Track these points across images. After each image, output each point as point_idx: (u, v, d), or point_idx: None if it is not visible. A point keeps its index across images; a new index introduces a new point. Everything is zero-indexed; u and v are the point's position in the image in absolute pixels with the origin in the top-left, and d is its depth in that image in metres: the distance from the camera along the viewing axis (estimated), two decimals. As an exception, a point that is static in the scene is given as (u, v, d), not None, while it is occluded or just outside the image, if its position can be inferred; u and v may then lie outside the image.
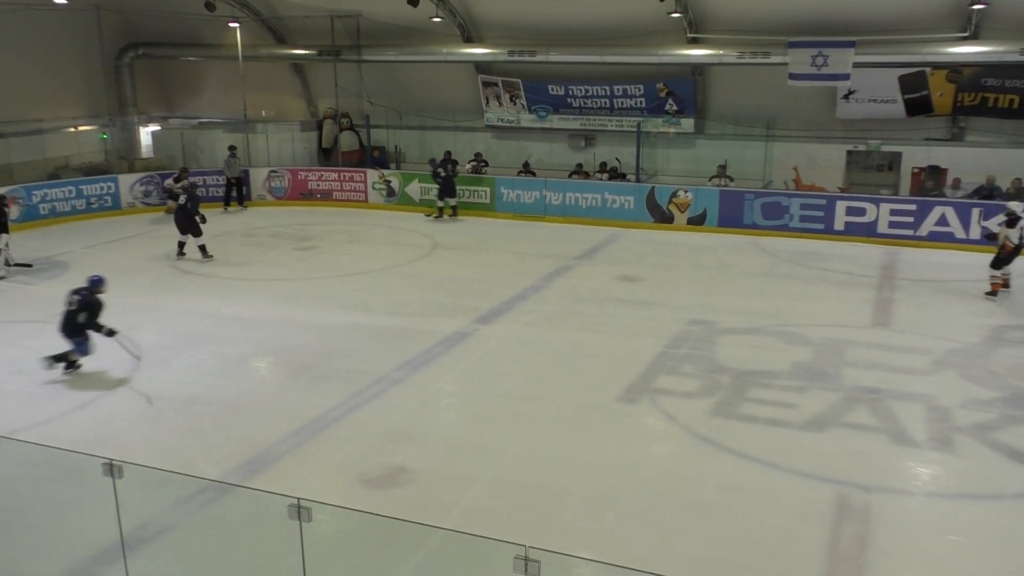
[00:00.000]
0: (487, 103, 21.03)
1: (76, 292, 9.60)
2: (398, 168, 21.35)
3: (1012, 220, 12.68)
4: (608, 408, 8.72)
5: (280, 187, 20.46)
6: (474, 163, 19.91)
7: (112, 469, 4.51)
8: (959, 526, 6.58)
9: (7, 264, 13.93)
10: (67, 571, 5.93)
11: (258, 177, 20.36)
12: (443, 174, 18.48)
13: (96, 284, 9.71)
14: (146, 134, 23.07)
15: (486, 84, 20.77)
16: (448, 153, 19.41)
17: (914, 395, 8.88)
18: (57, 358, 9.49)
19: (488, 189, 19.06)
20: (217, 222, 17.92)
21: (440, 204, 18.61)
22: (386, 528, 5.53)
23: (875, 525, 6.56)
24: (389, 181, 19.94)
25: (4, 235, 13.90)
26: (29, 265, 14.34)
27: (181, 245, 14.96)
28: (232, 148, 19.90)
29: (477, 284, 13.39)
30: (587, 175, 19.65)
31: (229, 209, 19.64)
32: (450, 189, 18.51)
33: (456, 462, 7.57)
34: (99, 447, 6.13)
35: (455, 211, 18.71)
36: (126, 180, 19.35)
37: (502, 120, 21.13)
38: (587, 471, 7.38)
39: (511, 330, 11.14)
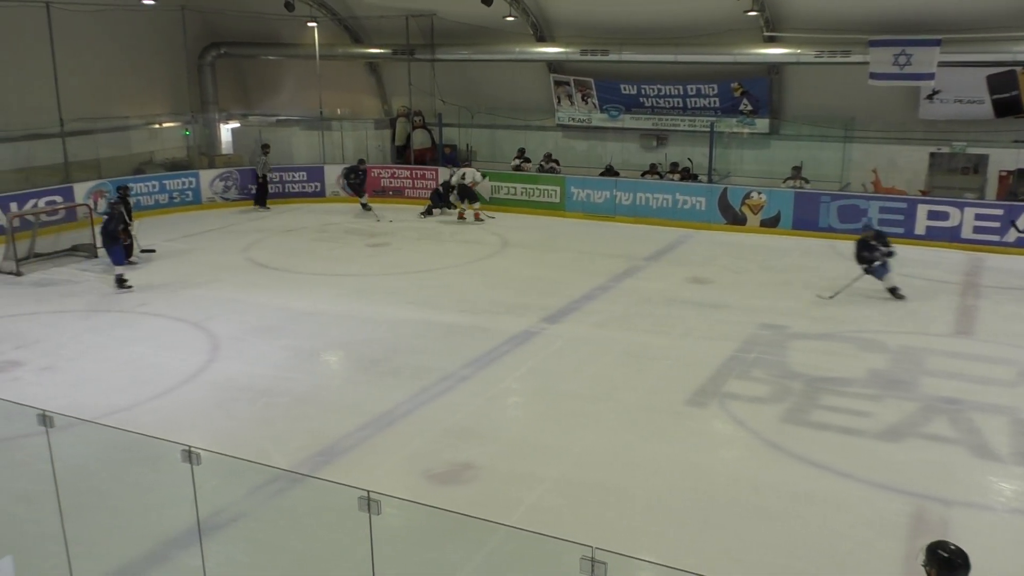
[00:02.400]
0: (559, 102, 21.00)
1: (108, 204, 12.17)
2: (470, 166, 21.49)
3: None
4: (675, 411, 8.62)
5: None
6: (546, 161, 19.93)
7: (191, 456, 4.65)
8: (1043, 545, 6.32)
9: (139, 252, 14.63)
10: (145, 554, 6.15)
11: (332, 174, 20.73)
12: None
13: (120, 191, 13.22)
14: (226, 131, 23.71)
15: (558, 83, 20.74)
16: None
17: (997, 407, 8.55)
18: (116, 281, 12.46)
19: (558, 188, 19.03)
20: (287, 217, 18.34)
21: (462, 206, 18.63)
22: (452, 523, 5.58)
23: (953, 540, 6.32)
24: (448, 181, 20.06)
25: (132, 223, 14.45)
26: (153, 250, 15.12)
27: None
28: (265, 147, 19.95)
29: (545, 283, 13.39)
30: (659, 175, 19.45)
31: (256, 209, 19.48)
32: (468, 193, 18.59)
33: (521, 460, 7.59)
34: (177, 434, 6.32)
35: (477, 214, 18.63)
36: (207, 175, 19.93)
37: (573, 119, 21.06)
38: (653, 473, 7.32)
39: (578, 330, 11.11)
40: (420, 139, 22.42)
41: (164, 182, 19.28)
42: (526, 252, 15.77)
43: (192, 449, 4.60)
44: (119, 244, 13.19)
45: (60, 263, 14.52)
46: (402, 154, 22.42)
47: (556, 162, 20.13)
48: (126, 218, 14.03)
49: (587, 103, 20.69)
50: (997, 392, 8.96)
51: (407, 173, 20.76)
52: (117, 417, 8.19)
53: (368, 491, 4.08)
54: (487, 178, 19.07)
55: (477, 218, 17.50)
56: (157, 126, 21.96)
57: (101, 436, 6.71)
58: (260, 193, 19.76)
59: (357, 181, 19.27)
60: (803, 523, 6.53)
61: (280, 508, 6.61)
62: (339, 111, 23.48)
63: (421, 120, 22.39)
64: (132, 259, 14.15)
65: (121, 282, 12.86)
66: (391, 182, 20.69)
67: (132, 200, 15.55)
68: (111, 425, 7.05)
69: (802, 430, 8.19)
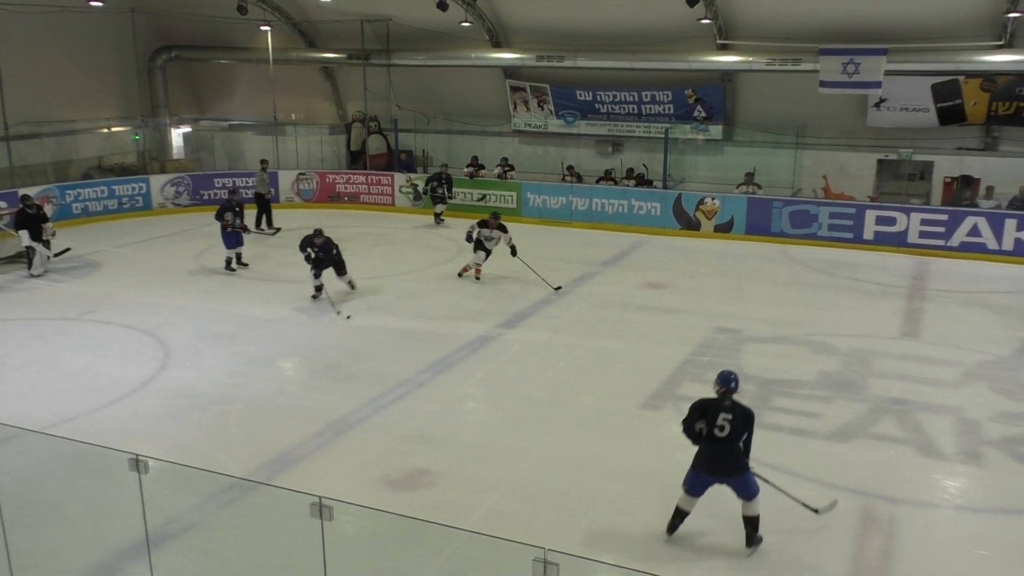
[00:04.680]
0: (514, 108, 21.08)
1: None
2: (425, 172, 21.45)
3: None
4: (632, 414, 8.69)
5: (308, 190, 20.61)
6: (501, 168, 19.97)
7: (138, 464, 4.57)
8: (986, 540, 6.48)
9: (47, 259, 14.12)
10: (93, 566, 6.01)
11: (287, 180, 20.53)
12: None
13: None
14: (177, 135, 23.37)
15: (514, 89, 20.82)
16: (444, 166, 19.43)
17: (943, 407, 8.77)
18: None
19: (515, 194, 19.08)
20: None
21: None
22: (407, 529, 5.55)
23: (900, 537, 6.49)
24: (416, 185, 20.01)
25: (37, 242, 13.95)
26: (67, 249, 14.64)
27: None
28: (264, 162, 18.93)
29: (502, 289, 13.41)
30: (614, 181, 19.60)
31: (259, 230, 17.63)
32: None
33: (478, 466, 7.58)
34: (127, 444, 6.20)
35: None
36: (157, 181, 19.59)
37: (529, 125, 21.16)
38: (609, 477, 7.36)
39: (535, 335, 11.14)
40: (376, 145, 22.32)
41: (113, 187, 18.90)
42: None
43: (140, 457, 4.51)
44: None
45: (4, 270, 14.15)
46: (357, 160, 22.29)
47: (511, 167, 20.15)
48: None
49: (543, 109, 20.80)
50: (942, 392, 9.18)
51: (363, 179, 20.64)
52: (65, 427, 8.01)
53: (320, 497, 4.04)
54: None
55: (477, 274, 13.88)
56: (106, 130, 21.54)
57: (47, 446, 6.56)
58: (264, 213, 17.85)
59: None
60: (761, 523, 6.60)
61: (232, 517, 6.51)
62: (293, 116, 23.30)
63: (377, 126, 22.30)
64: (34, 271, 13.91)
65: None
66: (346, 188, 20.56)
67: (52, 208, 15.40)
68: (57, 435, 6.89)
69: (756, 433, 8.28)
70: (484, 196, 19.35)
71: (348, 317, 11.62)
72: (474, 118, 21.27)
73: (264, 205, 18.08)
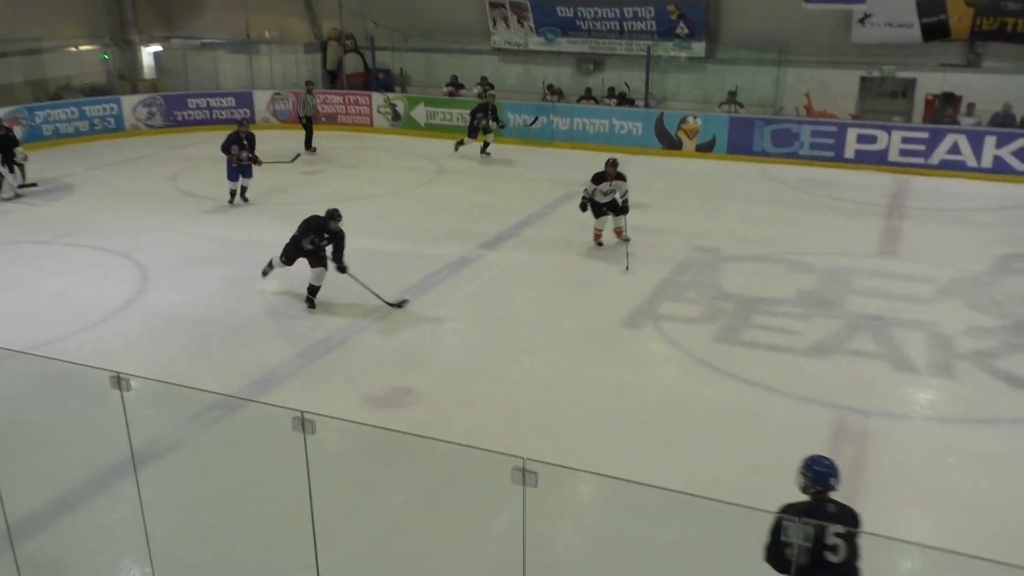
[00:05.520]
0: (494, 25, 20.59)
1: None
2: (404, 91, 21.06)
3: None
4: (612, 333, 8.77)
5: (284, 110, 20.22)
6: (481, 87, 19.63)
7: (120, 382, 4.57)
8: (955, 449, 6.68)
9: (14, 188, 13.84)
10: (81, 483, 6.08)
11: (262, 100, 20.10)
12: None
13: None
14: (148, 54, 22.71)
15: (493, 5, 20.29)
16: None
17: (917, 323, 8.90)
18: None
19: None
20: (215, 145, 17.80)
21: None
22: (390, 444, 5.65)
23: (871, 448, 6.66)
24: (394, 105, 19.69)
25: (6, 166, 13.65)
26: (34, 184, 14.29)
27: None
28: (309, 84, 18.38)
29: (482, 209, 13.35)
30: (596, 100, 19.35)
31: (304, 154, 17.06)
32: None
33: (460, 384, 7.66)
34: (107, 366, 6.20)
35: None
36: (129, 101, 19.13)
37: (509, 43, 20.71)
38: (589, 394, 7.47)
39: (516, 255, 11.15)
40: (352, 64, 21.81)
41: (84, 108, 18.45)
42: (463, 178, 15.64)
43: (121, 375, 4.52)
44: None
45: (-25, 194, 13.90)
46: (334, 79, 21.81)
47: (491, 86, 19.80)
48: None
49: (523, 26, 20.33)
50: (918, 308, 9.31)
51: (339, 99, 20.25)
52: (43, 351, 7.97)
53: (302, 411, 4.08)
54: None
55: (620, 236, 11.52)
56: (73, 49, 20.88)
57: (27, 368, 6.55)
58: (307, 135, 17.52)
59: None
60: (732, 436, 6.77)
61: (216, 435, 6.58)
62: (267, 34, 22.65)
63: (353, 44, 21.74)
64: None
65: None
66: (323, 108, 20.17)
67: (22, 129, 15.00)
68: (37, 354, 6.87)
69: (733, 348, 8.43)
70: (536, 119, 18.24)
71: (401, 304, 9.33)
72: (453, 36, 20.78)
73: (310, 128, 17.61)
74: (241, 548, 5.57)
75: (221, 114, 19.71)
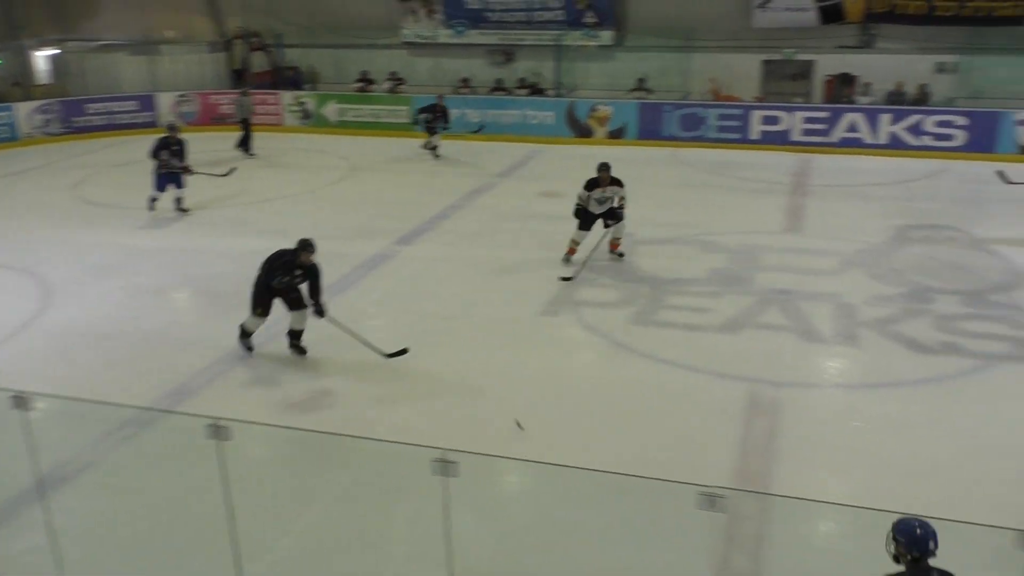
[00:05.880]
0: (404, 19, 20.45)
1: None
2: (313, 89, 20.74)
3: None
4: (531, 321, 8.86)
5: (190, 112, 19.70)
6: (391, 82, 19.49)
7: (20, 402, 4.41)
8: (861, 413, 6.97)
9: None
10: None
11: (166, 103, 19.54)
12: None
13: None
14: (42, 58, 21.80)
15: (401, -1, 20.17)
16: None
17: (822, 295, 9.24)
18: None
19: (407, 108, 18.71)
20: (116, 151, 17.22)
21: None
22: (311, 446, 5.59)
23: (784, 417, 6.90)
24: (304, 103, 19.39)
25: None
26: None
27: None
28: (244, 87, 17.91)
29: (397, 205, 13.28)
30: (507, 91, 19.42)
31: (248, 154, 16.82)
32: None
33: (381, 382, 7.62)
34: (11, 386, 5.97)
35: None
36: (23, 108, 18.36)
37: (419, 36, 20.60)
38: (511, 382, 7.52)
39: (433, 250, 11.14)
40: (259, 62, 21.39)
41: (-25, 117, 17.64)
42: (376, 175, 15.53)
43: (23, 394, 4.36)
44: None
45: None
46: (241, 78, 21.34)
47: (401, 81, 19.66)
48: None
49: (433, 19, 20.25)
50: (822, 281, 9.67)
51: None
52: (-59, 372, 7.63)
53: (216, 418, 4.02)
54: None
55: (615, 250, 10.57)
56: (-41, 55, 19.95)
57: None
58: (244, 137, 17.07)
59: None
60: (653, 415, 6.91)
61: (131, 451, 6.40)
62: (169, 33, 22.00)
63: (259, 42, 21.31)
64: None
65: None
66: (230, 108, 19.70)
67: None
68: (-67, 380, 6.57)
69: (650, 330, 8.61)
70: (481, 127, 17.66)
71: (401, 353, 7.83)
72: (362, 31, 20.55)
73: (247, 130, 17.07)
74: (163, 567, 5.44)
75: (123, 119, 19.09)
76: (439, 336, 8.53)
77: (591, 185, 10.20)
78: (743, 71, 18.26)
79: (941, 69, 16.97)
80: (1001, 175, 10.54)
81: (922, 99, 16.67)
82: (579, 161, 15.99)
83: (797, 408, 7.03)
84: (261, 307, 7.86)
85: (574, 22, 19.17)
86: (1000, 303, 9.00)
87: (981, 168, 14.83)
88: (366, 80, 19.84)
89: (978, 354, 7.81)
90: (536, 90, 19.24)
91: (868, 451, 6.39)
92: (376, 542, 5.47)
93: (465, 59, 20.42)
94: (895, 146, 15.99)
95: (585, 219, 10.24)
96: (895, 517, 4.44)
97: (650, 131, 17.31)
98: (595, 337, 8.49)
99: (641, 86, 18.42)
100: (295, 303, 7.85)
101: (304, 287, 7.83)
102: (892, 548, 3.80)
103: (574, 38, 19.16)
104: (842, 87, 17.57)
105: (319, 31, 20.76)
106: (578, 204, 10.23)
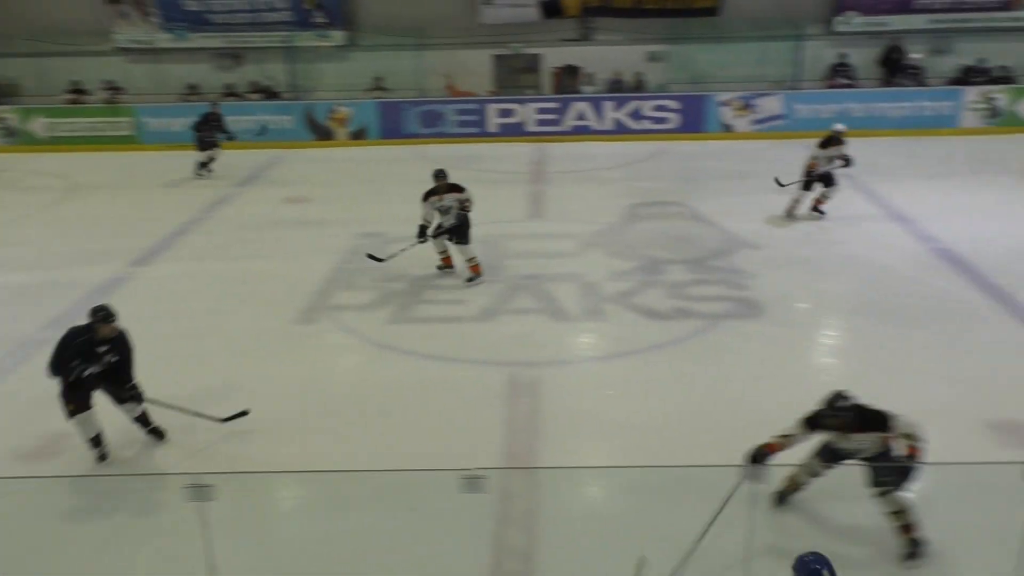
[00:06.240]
0: (114, 23, 18.92)
1: None
2: (14, 103, 18.66)
3: (827, 142, 11.42)
4: (286, 331, 8.59)
5: None
6: (108, 91, 18.02)
7: None
8: (612, 381, 7.46)
9: None
10: None
11: None
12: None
13: None
14: None
15: (110, 0, 18.64)
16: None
17: (567, 275, 9.75)
18: None
19: (129, 119, 17.40)
20: None
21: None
22: (55, 492, 5.08)
23: (544, 394, 7.22)
24: (5, 119, 17.42)
25: None
26: None
27: None
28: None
29: (129, 224, 12.34)
30: (239, 96, 18.62)
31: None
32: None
33: (123, 416, 7.04)
34: None
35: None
36: None
37: (135, 41, 19.16)
38: (272, 396, 7.23)
39: (174, 267, 10.48)
40: (-56, 76, 18.91)
41: None
42: (100, 193, 14.32)
43: None
44: None
45: None
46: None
47: (118, 89, 18.22)
48: None
49: (148, 22, 18.91)
50: (566, 262, 10.21)
51: (-65, 118, 17.49)
52: None
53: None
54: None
55: (477, 272, 9.69)
56: None
57: None
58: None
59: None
60: (419, 410, 6.96)
61: None
62: None
63: (-59, 53, 18.82)
64: None
65: None
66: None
67: None
68: None
69: (409, 327, 8.66)
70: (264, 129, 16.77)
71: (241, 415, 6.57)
72: (67, 37, 18.73)
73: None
74: None
75: None
76: (189, 358, 8.03)
77: (428, 195, 9.54)
78: (475, 66, 18.78)
79: (652, 58, 18.48)
80: (776, 181, 11.77)
81: (639, 86, 18.06)
82: (323, 164, 15.85)
83: (555, 384, 7.39)
84: (74, 403, 6.02)
85: (303, 23, 18.74)
86: (720, 267, 9.98)
87: (694, 147, 16.40)
88: (78, 91, 18.18)
89: (706, 315, 8.62)
90: (271, 94, 18.62)
91: (622, 415, 6.84)
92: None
93: (190, 64, 19.26)
94: (620, 131, 17.20)
95: (438, 233, 9.49)
96: (657, 472, 4.85)
97: (391, 130, 17.36)
98: (355, 340, 8.40)
99: (378, 85, 18.42)
100: (117, 392, 6.20)
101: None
102: None
103: (305, 39, 18.72)
104: (568, 78, 18.61)
105: (14, 39, 18.69)
106: (422, 224, 9.42)
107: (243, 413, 6.48)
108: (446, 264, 9.77)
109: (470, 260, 9.55)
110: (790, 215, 11.63)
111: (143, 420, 6.46)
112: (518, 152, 16.33)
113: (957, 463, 5.68)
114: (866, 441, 4.84)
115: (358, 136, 17.39)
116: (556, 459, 6.23)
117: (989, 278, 9.23)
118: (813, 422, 4.95)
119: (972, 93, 16.89)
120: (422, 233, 9.46)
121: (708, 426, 6.54)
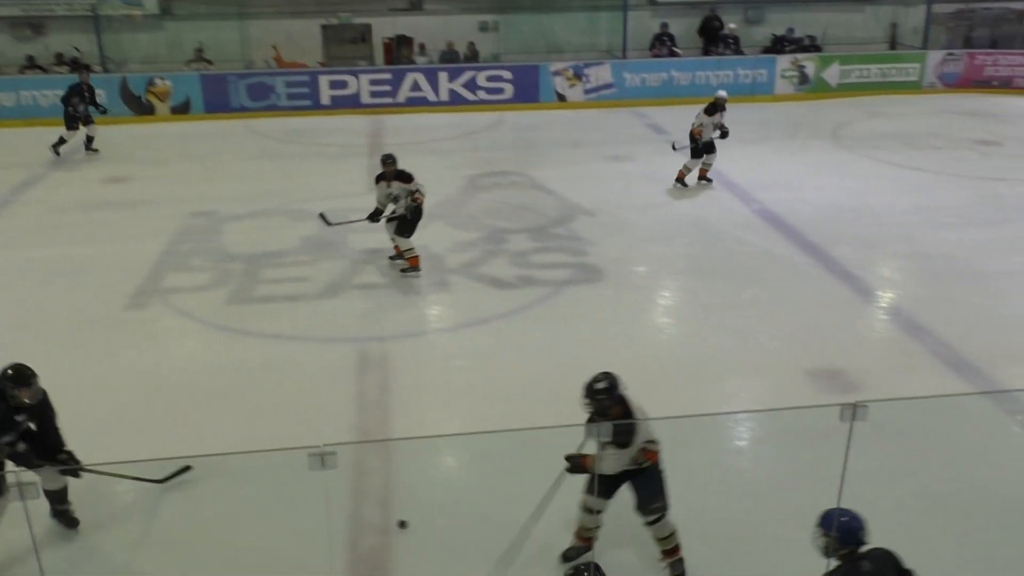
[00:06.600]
0: None
1: None
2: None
3: (713, 108, 11.54)
4: (115, 319, 8.08)
5: None
6: None
7: None
8: (461, 352, 7.51)
9: None
10: None
11: None
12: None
13: None
14: None
15: None
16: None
17: (411, 248, 9.69)
18: None
19: (-87, 95, 15.67)
20: None
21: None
22: None
23: (393, 368, 7.18)
24: None
25: None
26: None
27: None
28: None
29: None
30: (43, 70, 17.16)
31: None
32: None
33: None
34: None
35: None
36: None
37: (-86, 9, 17.25)
38: (104, 388, 6.81)
39: (-21, 256, 9.60)
40: None
41: None
42: None
43: None
44: None
45: None
46: None
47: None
48: None
49: (-73, -12, 17.04)
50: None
51: None
52: None
53: None
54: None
55: (414, 265, 8.99)
56: None
57: None
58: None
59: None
60: (266, 391, 6.73)
61: None
62: None
63: None
64: None
65: None
66: None
67: None
68: None
69: (250, 307, 8.37)
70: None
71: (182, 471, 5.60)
72: None
73: None
74: None
75: None
76: (2, 351, 7.38)
77: (377, 179, 8.99)
78: (304, 36, 18.18)
79: (483, 28, 18.56)
80: (672, 146, 11.98)
81: (472, 57, 18.08)
82: (144, 140, 14.95)
83: (404, 358, 7.35)
84: None
85: (111, -11, 17.46)
86: (560, 235, 10.22)
87: (530, 117, 16.62)
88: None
89: (549, 282, 8.81)
90: (80, 66, 17.25)
91: (471, 384, 6.92)
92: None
93: (-16, 34, 17.60)
94: (456, 102, 17.17)
95: (395, 223, 8.87)
96: (505, 436, 4.92)
97: (217, 103, 16.53)
98: (192, 323, 8.01)
99: (200, 57, 17.49)
100: (45, 457, 4.92)
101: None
102: (822, 542, 3.69)
103: (113, 7, 17.46)
104: (400, 49, 18.36)
105: None
106: (377, 208, 8.97)
107: (185, 468, 5.55)
108: (398, 254, 9.06)
109: (407, 251, 8.86)
110: (680, 183, 11.71)
111: (56, 497, 5.05)
112: (353, 125, 16.00)
113: (782, 408, 6.15)
114: (624, 457, 4.47)
115: (181, 110, 16.45)
116: (409, 431, 6.21)
117: (806, 236, 9.95)
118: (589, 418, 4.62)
119: (783, 61, 18.02)
120: (374, 215, 8.97)
121: (553, 389, 6.68)
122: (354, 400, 6.67)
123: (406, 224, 8.78)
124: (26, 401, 4.84)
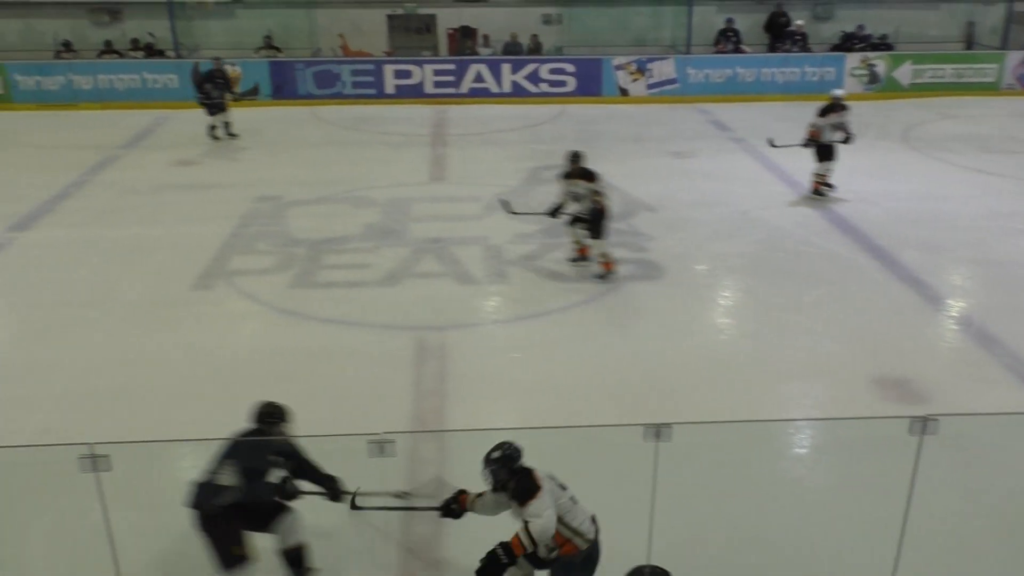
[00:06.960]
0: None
1: None
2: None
3: (828, 109, 10.94)
4: (182, 299, 8.29)
5: None
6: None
7: None
8: (517, 343, 7.52)
9: None
10: None
11: None
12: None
13: None
14: None
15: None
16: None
17: (471, 239, 9.75)
18: None
19: (-3, 77, 16.29)
20: None
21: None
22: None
23: (451, 358, 7.23)
24: None
25: None
26: None
27: None
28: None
29: (3, 187, 11.60)
30: (120, 54, 17.66)
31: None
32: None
33: (14, 385, 6.69)
34: None
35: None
36: None
37: (1, -6, 17.90)
38: (170, 365, 7.01)
39: (56, 233, 9.95)
40: None
41: None
42: (-31, 155, 13.40)
43: None
44: None
45: None
46: None
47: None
48: None
49: (14, -27, 17.66)
50: (470, 226, 10.19)
51: None
52: None
53: None
54: None
55: (609, 269, 8.70)
56: None
57: None
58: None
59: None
60: (325, 376, 6.85)
61: None
62: None
63: None
64: None
65: None
66: None
67: None
68: None
69: (311, 291, 8.50)
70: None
71: None
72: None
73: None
74: None
75: None
76: (80, 326, 7.67)
77: (564, 177, 8.73)
78: (370, 26, 18.38)
79: (547, 20, 18.52)
80: (770, 142, 11.52)
81: (536, 49, 18.06)
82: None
83: (462, 348, 7.40)
84: (236, 545, 4.30)
85: (187, -23, 17.88)
86: (622, 230, 10.13)
87: (592, 110, 16.55)
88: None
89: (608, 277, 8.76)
90: (153, 51, 17.72)
91: (527, 377, 6.92)
92: (33, 551, 4.87)
93: (63, 19, 18.16)
94: (518, 93, 17.18)
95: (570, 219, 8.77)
96: (562, 433, 4.89)
97: (285, 90, 16.81)
98: (256, 306, 8.18)
99: (269, 44, 17.79)
100: (284, 499, 4.49)
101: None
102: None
103: (188, -6, 17.90)
104: (464, 40, 18.43)
105: None
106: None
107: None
108: (581, 255, 8.91)
109: (601, 256, 8.61)
110: (817, 193, 10.99)
111: (292, 557, 4.55)
112: (416, 114, 16.12)
113: (845, 418, 6.01)
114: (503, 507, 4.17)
115: (249, 96, 16.75)
116: (464, 422, 6.25)
117: (873, 239, 9.72)
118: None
119: (853, 59, 17.61)
120: (553, 211, 8.80)
121: (610, 386, 6.69)
122: (411, 388, 6.73)
123: (595, 225, 8.46)
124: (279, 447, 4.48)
